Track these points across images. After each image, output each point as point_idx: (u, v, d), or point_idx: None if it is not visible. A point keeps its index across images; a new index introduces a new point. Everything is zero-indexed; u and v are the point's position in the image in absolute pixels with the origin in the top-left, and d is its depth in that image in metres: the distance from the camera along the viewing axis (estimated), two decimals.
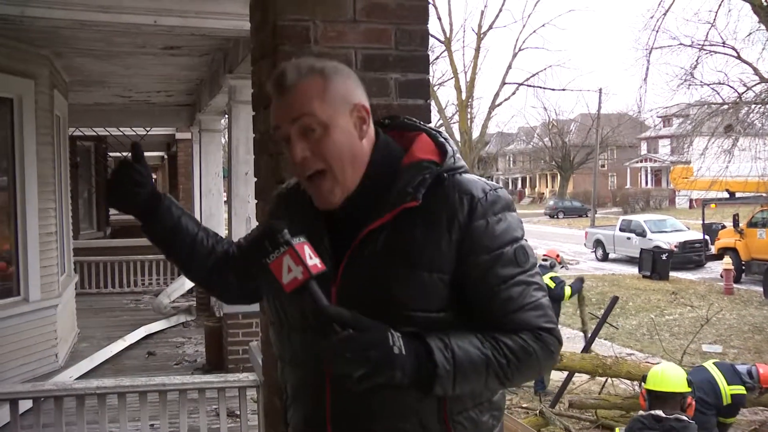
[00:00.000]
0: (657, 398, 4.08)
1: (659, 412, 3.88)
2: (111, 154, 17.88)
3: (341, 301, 1.38)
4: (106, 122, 12.57)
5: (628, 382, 9.33)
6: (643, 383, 4.37)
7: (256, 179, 2.76)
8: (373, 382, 1.27)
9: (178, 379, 4.92)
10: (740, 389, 5.83)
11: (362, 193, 1.44)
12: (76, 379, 6.57)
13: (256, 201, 2.76)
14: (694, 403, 4.17)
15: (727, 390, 5.78)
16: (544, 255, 10.39)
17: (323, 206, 1.45)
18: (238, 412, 5.17)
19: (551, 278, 9.67)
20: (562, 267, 10.67)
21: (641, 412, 4.04)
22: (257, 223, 2.79)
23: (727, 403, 5.75)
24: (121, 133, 13.36)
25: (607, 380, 9.12)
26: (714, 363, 6.23)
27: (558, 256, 10.54)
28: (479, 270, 1.39)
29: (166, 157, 20.43)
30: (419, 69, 2.37)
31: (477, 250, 1.39)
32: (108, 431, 4.57)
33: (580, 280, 10.12)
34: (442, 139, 1.50)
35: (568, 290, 9.71)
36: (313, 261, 1.33)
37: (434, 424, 1.42)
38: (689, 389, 4.16)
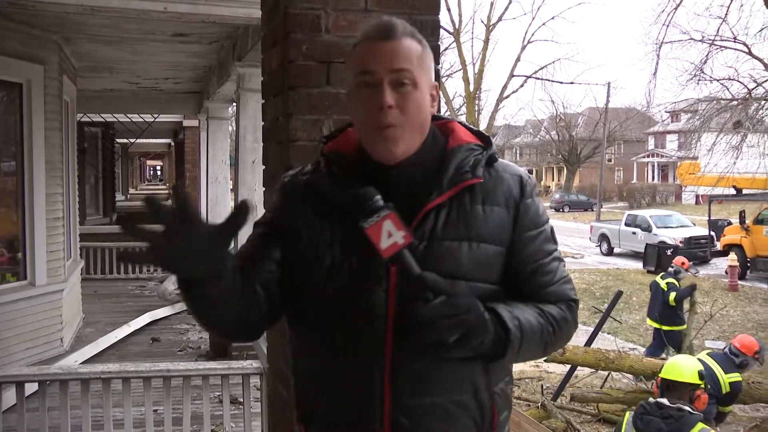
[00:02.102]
0: (667, 387, 4.16)
1: (664, 400, 3.91)
2: (118, 140, 17.93)
3: (403, 275, 1.40)
4: (114, 108, 12.58)
5: (630, 376, 9.35)
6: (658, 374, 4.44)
7: (264, 167, 2.76)
8: (465, 346, 1.34)
9: (182, 365, 4.95)
10: (737, 377, 6.08)
11: (414, 164, 1.46)
12: (81, 363, 6.61)
13: (264, 189, 2.76)
14: (705, 397, 4.19)
15: (725, 378, 6.02)
16: (673, 262, 11.14)
17: (385, 156, 1.44)
18: (242, 399, 5.20)
19: (667, 283, 10.32)
20: (693, 273, 11.12)
21: (650, 399, 4.07)
22: (263, 212, 2.80)
23: (726, 391, 5.99)
24: (128, 119, 13.39)
25: (609, 374, 9.13)
26: (708, 354, 6.45)
27: (684, 263, 10.98)
28: (529, 245, 1.51)
29: (173, 144, 20.47)
30: None
31: (528, 226, 1.51)
32: (112, 416, 4.60)
33: (690, 288, 10.45)
34: (475, 128, 1.58)
35: (672, 295, 10.19)
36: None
37: (484, 395, 1.49)
38: (701, 382, 4.20)
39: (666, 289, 10.31)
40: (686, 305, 10.48)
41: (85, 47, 7.85)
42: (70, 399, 4.57)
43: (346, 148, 1.53)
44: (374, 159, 1.46)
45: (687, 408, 3.82)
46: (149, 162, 47.97)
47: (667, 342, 10.38)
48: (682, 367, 4.26)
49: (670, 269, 10.89)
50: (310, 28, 2.29)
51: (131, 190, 31.35)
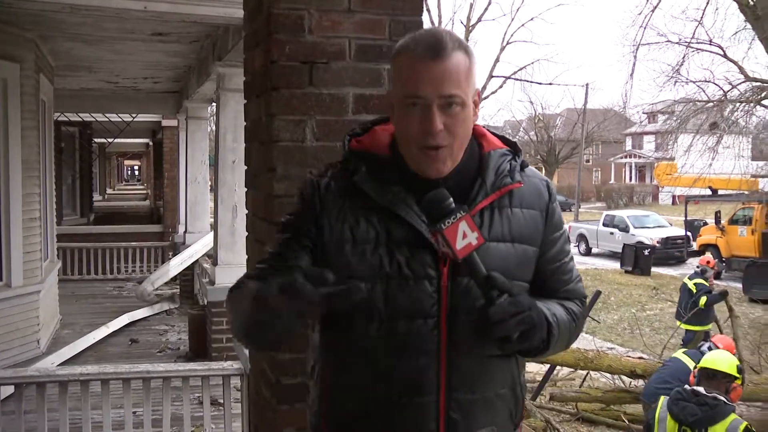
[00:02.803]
0: (705, 376, 4.26)
1: (700, 389, 4.05)
2: (96, 140, 17.76)
3: (454, 274, 1.45)
4: (92, 108, 12.46)
5: (608, 375, 9.43)
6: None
7: (246, 167, 2.75)
8: (526, 342, 1.40)
9: (162, 366, 4.91)
10: None
11: (457, 171, 1.49)
12: (58, 365, 6.53)
13: (246, 189, 2.75)
14: (740, 390, 4.32)
15: None
16: (699, 261, 11.33)
17: (434, 174, 1.46)
18: (222, 401, 5.17)
19: (695, 284, 10.50)
20: (719, 270, 11.23)
21: (686, 386, 4.23)
22: (246, 212, 2.79)
23: None
24: (106, 119, 13.26)
25: (588, 373, 9.20)
26: (683, 352, 6.55)
27: (710, 262, 11.20)
28: (554, 246, 1.59)
29: (151, 144, 20.30)
30: None
31: (554, 228, 1.59)
32: (90, 418, 4.56)
33: (721, 294, 10.60)
34: (499, 134, 1.63)
35: (703, 299, 10.39)
36: None
37: (518, 388, 1.59)
38: (738, 376, 4.30)
39: (695, 291, 10.48)
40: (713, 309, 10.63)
41: (63, 46, 7.76)
42: (48, 402, 4.51)
43: (378, 149, 1.54)
44: (417, 173, 1.47)
45: (722, 398, 3.98)
46: (127, 162, 47.49)
47: (684, 340, 10.54)
48: (722, 358, 4.40)
49: (697, 269, 11.07)
50: (293, 28, 2.29)
51: (109, 190, 31.06)
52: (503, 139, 1.60)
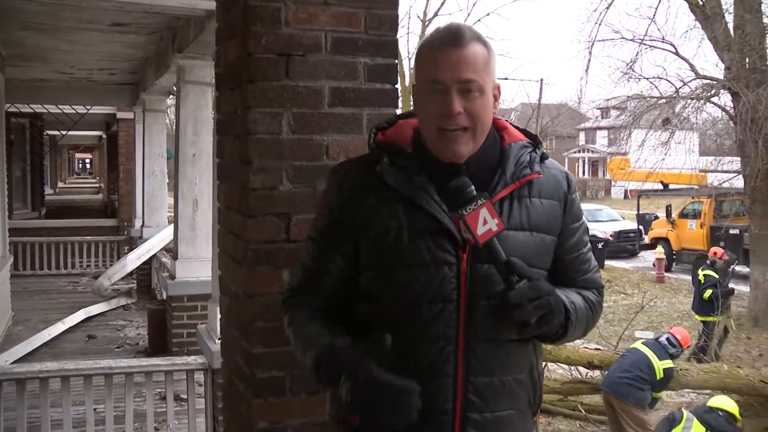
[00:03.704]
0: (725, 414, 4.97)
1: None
2: (50, 132, 17.32)
3: (474, 261, 1.50)
4: (45, 99, 12.13)
5: (565, 366, 9.60)
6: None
7: (218, 160, 2.72)
8: (544, 327, 1.46)
9: (124, 362, 4.86)
10: (669, 363, 6.43)
11: (478, 161, 1.55)
12: (12, 363, 6.38)
13: (217, 182, 2.72)
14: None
15: (659, 365, 6.35)
16: (710, 253, 11.62)
17: (452, 156, 1.52)
18: (185, 396, 5.12)
19: (704, 275, 10.72)
20: (730, 260, 11.48)
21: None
22: (218, 205, 2.76)
23: (660, 377, 6.32)
24: (59, 110, 12.94)
25: (545, 365, 9.35)
26: (642, 343, 6.78)
27: (717, 253, 11.42)
28: (573, 236, 1.65)
29: (105, 136, 19.89)
30: (388, 53, 2.38)
31: (573, 218, 1.65)
32: (49, 416, 4.48)
33: (728, 292, 10.94)
34: (522, 128, 1.70)
35: (708, 292, 10.62)
36: None
37: (536, 374, 1.64)
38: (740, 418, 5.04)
39: (703, 281, 10.79)
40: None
41: (16, 35, 7.54)
42: (4, 400, 4.42)
43: (401, 141, 1.60)
44: (440, 158, 1.53)
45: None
46: (78, 155, 46.42)
47: (703, 332, 10.75)
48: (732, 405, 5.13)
49: (708, 261, 11.37)
50: (269, 20, 2.26)
51: (60, 184, 30.35)
52: (525, 133, 1.67)
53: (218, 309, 4.91)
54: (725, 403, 5.00)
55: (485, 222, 1.45)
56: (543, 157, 1.62)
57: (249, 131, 2.29)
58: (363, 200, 1.56)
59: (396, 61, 2.44)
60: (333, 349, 1.49)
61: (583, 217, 1.70)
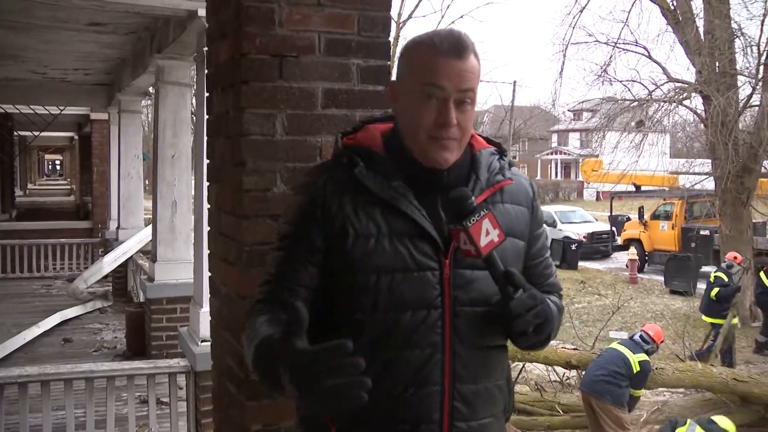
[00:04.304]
0: None
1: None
2: (21, 133, 17.04)
3: (456, 267, 1.49)
4: (17, 99, 11.92)
5: (542, 367, 9.68)
6: None
7: (209, 161, 2.70)
8: (541, 335, 1.48)
9: (106, 365, 4.80)
10: (644, 356, 6.50)
11: (456, 167, 1.54)
12: None
13: (208, 183, 2.70)
14: None
15: (634, 359, 6.43)
16: (726, 256, 11.67)
17: (441, 162, 1.51)
18: (166, 399, 5.09)
19: (714, 276, 10.88)
20: (746, 267, 11.56)
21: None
22: (208, 206, 2.75)
23: (636, 370, 6.39)
24: (31, 111, 12.74)
25: (523, 366, 9.41)
26: (618, 342, 6.92)
27: (737, 258, 11.43)
28: (537, 241, 1.66)
29: (76, 137, 19.62)
30: (381, 55, 2.39)
31: (538, 224, 1.67)
32: (28, 422, 4.42)
33: (734, 289, 10.98)
34: (483, 135, 1.71)
35: (714, 291, 10.77)
36: None
37: (510, 381, 1.66)
38: None
39: (712, 281, 10.91)
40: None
41: None
42: None
43: (372, 145, 1.57)
44: (424, 163, 1.52)
45: None
46: (48, 156, 45.76)
47: (713, 334, 10.85)
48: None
49: (723, 264, 11.45)
50: (263, 21, 2.26)
51: (30, 186, 29.90)
52: (488, 140, 1.67)
53: (200, 311, 4.90)
54: (726, 424, 5.17)
55: (487, 233, 1.44)
56: (510, 164, 1.64)
57: (243, 132, 2.28)
58: (339, 205, 1.50)
59: (389, 62, 2.45)
60: (269, 340, 1.39)
61: (544, 225, 1.75)
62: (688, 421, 5.10)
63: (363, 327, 1.48)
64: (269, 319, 1.48)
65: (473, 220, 1.44)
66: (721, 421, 5.25)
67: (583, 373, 7.48)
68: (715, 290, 10.83)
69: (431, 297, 1.48)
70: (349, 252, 1.48)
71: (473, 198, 1.47)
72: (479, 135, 1.67)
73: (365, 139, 1.58)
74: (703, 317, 11.51)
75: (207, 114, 2.71)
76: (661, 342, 7.05)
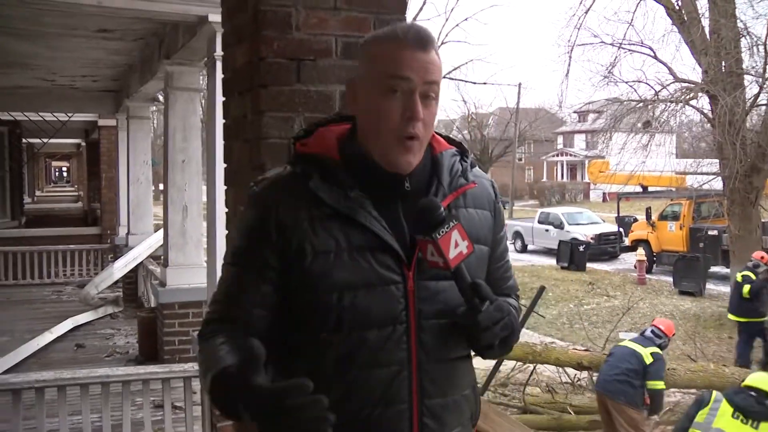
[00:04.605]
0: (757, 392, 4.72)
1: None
2: (31, 140, 17.12)
3: (420, 279, 1.43)
4: (25, 107, 12.01)
5: (552, 368, 9.67)
6: None
7: (225, 165, 2.72)
8: (506, 347, 1.47)
9: (121, 370, 4.83)
10: (655, 349, 6.37)
11: (417, 171, 1.47)
12: (1, 374, 6.30)
13: (226, 187, 2.72)
14: None
15: (645, 352, 6.31)
16: (753, 256, 11.59)
17: (405, 166, 1.43)
18: (179, 404, 5.10)
19: (742, 276, 10.86)
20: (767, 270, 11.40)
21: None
22: (226, 211, 2.77)
23: (650, 362, 6.25)
24: (40, 118, 12.81)
25: (534, 367, 9.41)
26: (629, 339, 6.80)
27: (764, 257, 11.38)
28: (499, 244, 1.62)
29: (84, 144, 19.70)
30: None
31: (500, 227, 1.62)
32: (46, 427, 4.43)
33: (765, 281, 10.92)
34: (443, 134, 1.63)
35: (746, 288, 10.76)
36: None
37: (475, 389, 1.61)
38: None
39: (741, 281, 10.88)
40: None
41: None
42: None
43: (327, 151, 1.47)
44: (387, 168, 1.43)
45: None
46: (55, 163, 45.94)
47: (748, 334, 10.86)
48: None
49: (749, 263, 11.41)
50: (280, 25, 2.28)
51: (38, 193, 30.02)
52: (448, 139, 1.58)
53: None
54: (759, 380, 4.74)
55: (456, 245, 1.36)
56: (471, 166, 1.56)
57: (261, 135, 2.30)
58: (295, 221, 1.40)
59: None
60: (226, 374, 1.29)
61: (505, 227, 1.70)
62: (714, 395, 4.91)
63: (328, 346, 1.41)
64: (225, 343, 1.39)
65: (442, 232, 1.36)
66: (755, 379, 4.81)
67: (596, 374, 7.45)
68: (747, 287, 10.78)
69: (396, 312, 1.40)
70: (308, 270, 1.39)
71: (442, 209, 1.38)
72: (439, 135, 1.58)
73: (319, 146, 1.47)
74: (731, 317, 11.43)
75: (224, 118, 2.73)
76: (673, 335, 6.90)
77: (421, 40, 1.41)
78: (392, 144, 1.41)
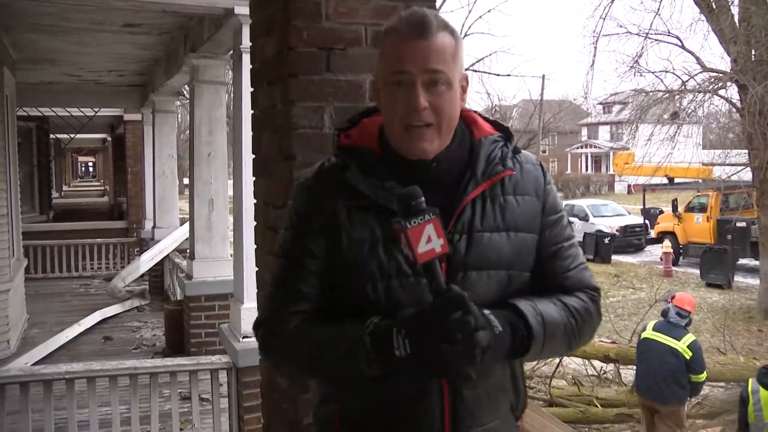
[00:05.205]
0: None
1: None
2: (58, 135, 17.33)
3: (451, 269, 1.40)
4: (53, 102, 12.15)
5: (578, 361, 9.60)
6: None
7: (254, 156, 2.71)
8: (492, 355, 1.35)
9: (149, 362, 4.86)
10: (689, 337, 6.08)
11: (447, 158, 1.45)
12: (32, 365, 6.38)
13: (255, 178, 2.71)
14: None
15: (682, 346, 6.01)
16: None
17: (419, 155, 1.42)
18: (207, 396, 5.13)
19: None
20: None
21: None
22: (254, 201, 2.76)
23: (690, 356, 5.96)
24: (67, 113, 12.94)
25: (561, 360, 9.34)
26: (652, 330, 6.32)
27: None
28: (550, 228, 1.52)
29: (109, 139, 19.89)
30: None
31: (550, 210, 1.53)
32: (76, 417, 4.48)
33: None
34: (491, 119, 1.58)
35: None
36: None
37: (519, 379, 1.55)
38: None
39: None
40: None
41: (26, 37, 7.54)
42: (31, 402, 4.43)
43: (368, 143, 1.49)
44: (405, 156, 1.43)
45: None
46: (81, 158, 46.50)
47: None
48: None
49: None
50: (310, 15, 2.26)
51: (65, 187, 30.40)
52: (496, 125, 1.55)
53: (241, 307, 4.93)
54: None
55: (429, 240, 1.28)
56: (515, 151, 1.52)
57: (292, 126, 2.28)
58: (333, 211, 1.44)
59: None
60: (374, 324, 1.35)
61: (563, 210, 1.57)
62: (749, 386, 4.83)
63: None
64: (303, 321, 1.45)
65: (415, 222, 1.29)
66: None
67: (622, 366, 7.31)
68: None
69: (425, 303, 1.37)
70: (344, 258, 1.42)
71: (422, 199, 1.31)
72: (485, 119, 1.55)
73: (360, 137, 1.50)
74: None
75: (252, 109, 2.72)
76: (694, 308, 6.51)
77: (419, 28, 1.39)
78: (400, 134, 1.42)
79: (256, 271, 2.76)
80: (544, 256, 1.51)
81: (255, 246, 2.79)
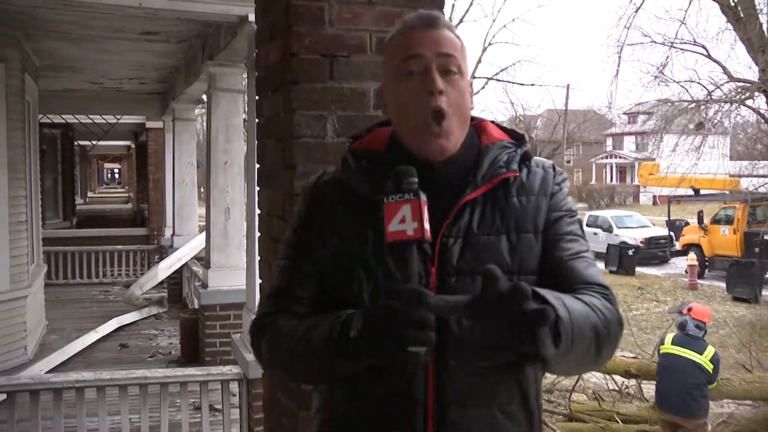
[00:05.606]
0: None
1: None
2: (81, 142, 17.53)
3: (442, 274, 1.35)
4: (75, 109, 12.27)
5: (599, 375, 9.43)
6: None
7: (259, 165, 2.66)
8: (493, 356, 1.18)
9: (160, 372, 4.83)
10: (710, 351, 6.05)
11: (452, 162, 1.41)
12: (47, 372, 6.40)
13: (259, 188, 2.66)
14: None
15: (703, 359, 5.98)
16: None
17: (437, 152, 1.38)
18: (218, 406, 5.09)
19: None
20: None
21: None
22: (258, 212, 2.71)
23: (712, 369, 5.97)
24: (90, 121, 13.07)
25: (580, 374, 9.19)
26: (671, 344, 6.20)
27: None
28: (557, 223, 1.45)
29: (133, 146, 20.07)
30: None
31: (557, 206, 1.46)
32: (86, 425, 4.46)
33: None
34: (508, 127, 1.56)
35: None
36: (427, 225, 1.25)
37: (532, 404, 1.42)
38: None
39: None
40: None
41: (48, 45, 7.61)
42: (41, 409, 4.42)
43: (376, 145, 1.48)
44: (418, 155, 1.39)
45: None
46: (106, 165, 47.03)
47: None
48: None
49: None
50: (313, 20, 2.22)
51: (90, 194, 30.74)
52: (511, 132, 1.52)
53: (253, 318, 4.89)
54: None
55: (402, 220, 1.23)
56: (525, 157, 1.47)
57: (293, 134, 2.23)
58: (332, 209, 1.44)
59: None
60: (346, 314, 1.30)
61: (574, 211, 1.50)
62: None
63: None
64: (292, 319, 1.41)
65: (393, 198, 1.25)
66: None
67: (644, 382, 7.17)
68: None
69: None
70: (335, 257, 1.41)
71: (412, 179, 1.26)
72: (501, 128, 1.52)
73: (370, 141, 1.50)
74: None
75: (257, 117, 2.68)
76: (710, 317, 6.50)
77: (427, 19, 1.41)
78: (420, 127, 1.38)
79: (260, 283, 2.71)
80: (549, 257, 1.42)
81: (259, 258, 2.75)
